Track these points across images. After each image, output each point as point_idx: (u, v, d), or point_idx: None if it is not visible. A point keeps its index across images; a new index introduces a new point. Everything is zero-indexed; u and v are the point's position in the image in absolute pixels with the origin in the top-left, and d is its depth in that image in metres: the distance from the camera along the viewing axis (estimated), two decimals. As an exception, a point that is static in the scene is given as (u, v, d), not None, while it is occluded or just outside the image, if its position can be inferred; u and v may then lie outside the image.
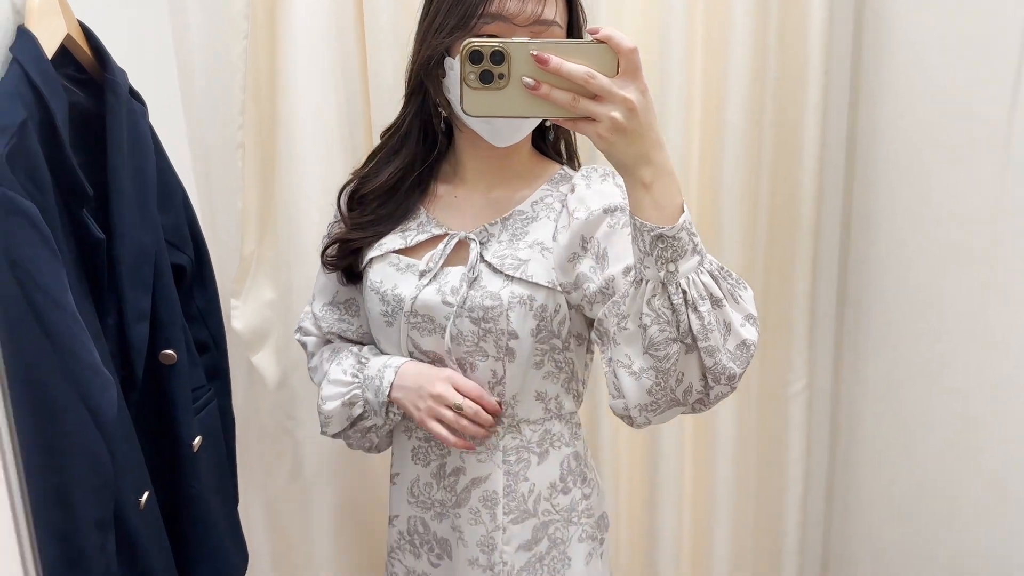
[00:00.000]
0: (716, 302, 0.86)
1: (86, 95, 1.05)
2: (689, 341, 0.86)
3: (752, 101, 1.53)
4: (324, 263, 1.18)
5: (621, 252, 0.99)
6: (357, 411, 1.14)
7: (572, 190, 1.07)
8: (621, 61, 0.78)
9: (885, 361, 1.50)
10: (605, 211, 1.01)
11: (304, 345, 1.28)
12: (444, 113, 1.09)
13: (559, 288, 1.05)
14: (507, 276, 1.04)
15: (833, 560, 1.77)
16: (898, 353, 1.46)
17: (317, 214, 1.44)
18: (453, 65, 1.01)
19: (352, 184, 1.16)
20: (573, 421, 1.16)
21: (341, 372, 1.15)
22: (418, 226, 1.13)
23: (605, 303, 0.97)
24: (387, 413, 1.13)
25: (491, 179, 1.12)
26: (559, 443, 1.14)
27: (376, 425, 1.16)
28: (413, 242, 1.11)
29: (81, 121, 1.03)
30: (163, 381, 1.13)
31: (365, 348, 1.19)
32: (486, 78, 0.80)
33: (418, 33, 1.07)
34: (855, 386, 1.62)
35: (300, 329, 1.27)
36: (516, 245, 1.07)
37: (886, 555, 1.53)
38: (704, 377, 0.89)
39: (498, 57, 0.79)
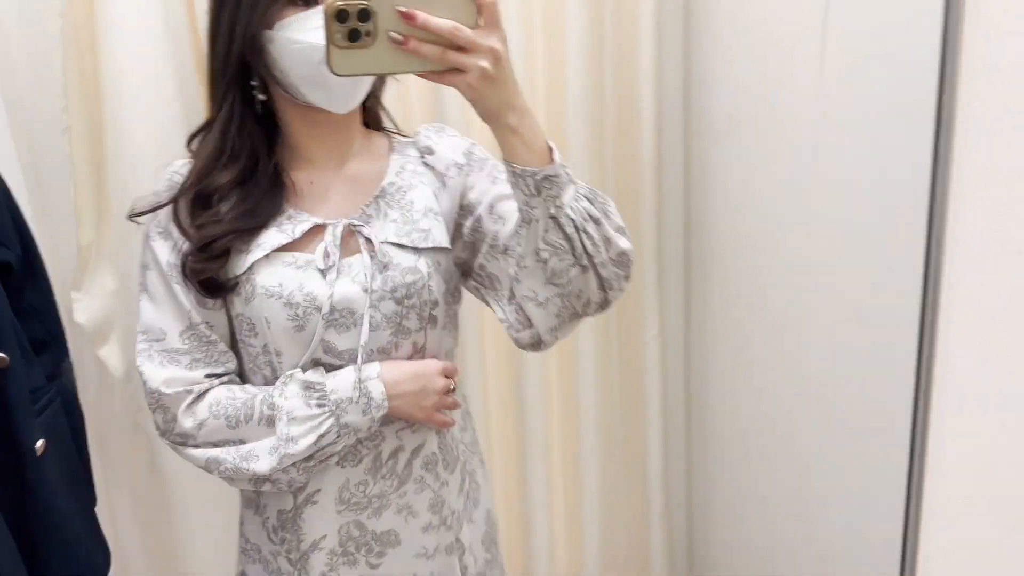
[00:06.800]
0: (596, 221, 0.93)
1: None
2: (585, 262, 0.93)
3: (591, 75, 1.60)
4: (190, 272, 1.00)
5: (485, 187, 1.07)
6: (327, 441, 1.01)
7: (430, 151, 1.12)
8: (483, 12, 0.81)
9: (727, 305, 1.61)
10: (466, 158, 1.10)
11: (168, 404, 1.03)
12: (263, 97, 1.01)
13: (451, 247, 1.09)
14: (416, 249, 1.05)
15: (695, 485, 1.89)
16: (738, 297, 1.56)
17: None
18: (273, 38, 0.96)
19: (190, 186, 1.01)
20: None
21: (298, 409, 1.00)
22: (288, 219, 1.03)
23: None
24: (370, 426, 1.04)
25: (339, 156, 1.08)
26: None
27: (342, 448, 1.04)
28: (297, 234, 1.02)
29: None
30: (-4, 386, 1.07)
31: (289, 374, 1.03)
32: (353, 36, 0.80)
33: (218, 21, 0.99)
34: (703, 330, 1.73)
35: (150, 397, 1.04)
36: (411, 217, 1.07)
37: (739, 477, 1.65)
38: (600, 288, 0.97)
39: (364, 15, 0.80)
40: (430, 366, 1.08)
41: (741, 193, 1.51)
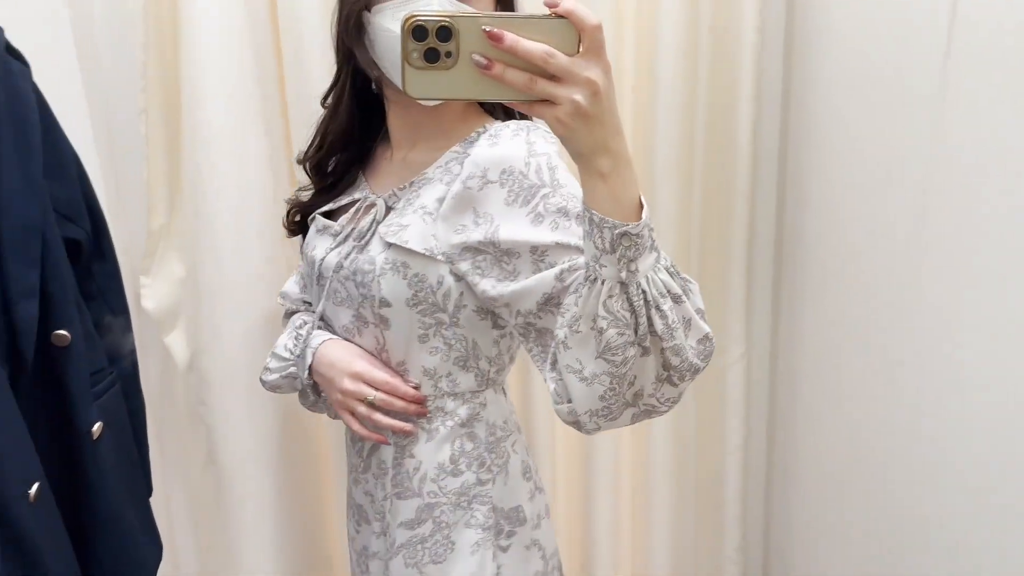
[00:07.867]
0: (676, 298, 0.80)
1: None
2: (648, 344, 0.80)
3: (685, 76, 1.51)
4: (285, 227, 1.21)
5: (519, 229, 0.92)
6: (299, 385, 1.16)
7: (467, 153, 1.00)
8: (584, 38, 0.69)
9: (820, 325, 1.49)
10: (502, 177, 0.94)
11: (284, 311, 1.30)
12: (376, 74, 1.02)
13: (440, 258, 0.98)
14: (386, 243, 1.01)
15: (773, 529, 1.76)
16: (833, 316, 1.44)
17: (226, 185, 1.36)
18: (370, 21, 0.97)
19: (307, 158, 1.17)
20: (475, 401, 1.09)
21: (283, 347, 1.17)
22: (351, 190, 1.13)
23: (508, 291, 0.92)
24: (319, 393, 1.13)
25: (413, 140, 1.09)
26: (451, 422, 1.08)
27: (321, 399, 1.17)
28: (336, 205, 1.12)
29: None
30: (56, 364, 1.04)
31: (304, 318, 1.18)
32: (431, 57, 0.70)
33: None
34: (792, 352, 1.61)
35: (281, 293, 1.28)
36: (406, 211, 1.02)
37: (825, 519, 1.53)
38: (659, 380, 0.83)
39: (445, 33, 0.69)
40: (346, 364, 1.07)
41: (844, 200, 1.39)
